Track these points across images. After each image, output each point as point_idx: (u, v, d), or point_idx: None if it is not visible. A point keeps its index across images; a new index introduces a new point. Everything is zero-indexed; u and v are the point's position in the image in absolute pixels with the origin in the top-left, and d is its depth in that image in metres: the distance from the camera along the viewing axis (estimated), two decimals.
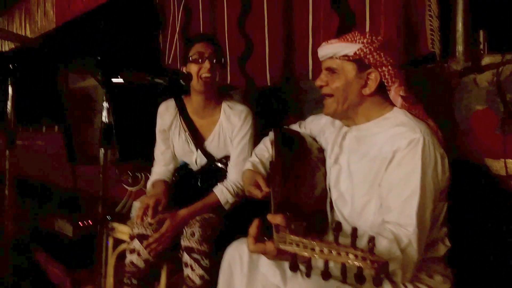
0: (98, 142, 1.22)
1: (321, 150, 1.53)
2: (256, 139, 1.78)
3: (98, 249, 1.17)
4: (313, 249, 0.87)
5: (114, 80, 1.17)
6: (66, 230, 2.66)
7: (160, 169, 1.92)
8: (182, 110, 1.86)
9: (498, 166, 1.45)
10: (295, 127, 1.70)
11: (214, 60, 1.72)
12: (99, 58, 1.13)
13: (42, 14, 4.26)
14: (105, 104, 1.17)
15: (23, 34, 4.65)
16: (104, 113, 1.17)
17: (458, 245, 1.30)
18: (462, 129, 1.53)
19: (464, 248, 1.37)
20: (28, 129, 4.81)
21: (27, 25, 4.57)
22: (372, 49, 1.25)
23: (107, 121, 1.17)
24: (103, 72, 1.16)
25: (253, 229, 1.11)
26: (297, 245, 0.90)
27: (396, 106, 1.32)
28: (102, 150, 1.18)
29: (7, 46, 4.59)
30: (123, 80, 1.21)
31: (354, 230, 0.86)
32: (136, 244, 1.62)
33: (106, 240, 1.17)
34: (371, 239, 0.84)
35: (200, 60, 1.71)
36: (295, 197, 1.32)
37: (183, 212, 1.66)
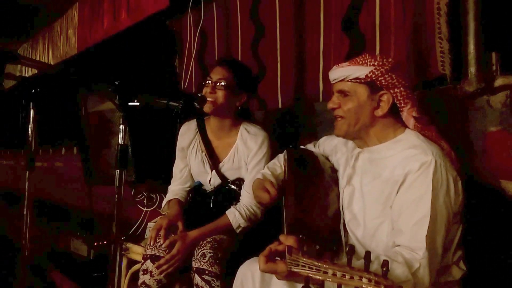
0: (114, 163, 1.25)
1: (334, 169, 1.53)
2: None
3: (111, 270, 1.18)
4: (326, 273, 0.87)
5: (131, 103, 1.21)
6: (82, 250, 2.69)
7: (177, 187, 1.95)
8: (201, 130, 1.91)
9: None
10: (310, 147, 1.71)
11: (220, 85, 1.75)
12: (116, 82, 1.17)
13: (65, 40, 4.43)
14: (122, 127, 1.20)
15: (46, 59, 4.84)
16: (121, 135, 1.21)
17: (474, 269, 1.28)
18: (477, 151, 1.51)
19: (480, 272, 1.34)
20: (48, 150, 4.94)
21: (50, 51, 4.75)
22: (384, 71, 1.27)
23: (123, 143, 1.20)
24: (120, 96, 1.20)
25: (266, 250, 1.12)
26: (310, 268, 0.90)
27: (408, 128, 1.32)
28: (117, 172, 1.21)
29: (30, 71, 4.77)
30: (139, 103, 1.25)
31: (368, 254, 0.86)
32: (148, 264, 1.64)
33: (119, 261, 1.19)
34: (385, 264, 0.84)
35: (208, 83, 1.77)
36: (308, 218, 1.32)
37: (194, 233, 1.67)
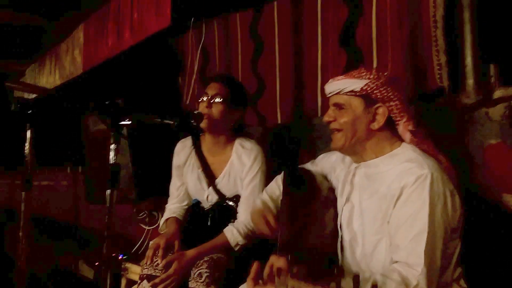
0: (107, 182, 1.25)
1: (332, 189, 1.51)
2: (268, 179, 1.77)
3: None
4: None
5: (122, 122, 1.21)
6: (84, 270, 2.68)
7: (174, 206, 1.94)
8: (196, 148, 1.90)
9: None
10: (308, 166, 1.69)
11: (217, 100, 1.75)
12: (106, 102, 1.17)
13: (71, 60, 4.49)
14: (113, 146, 1.20)
15: (53, 79, 4.91)
16: (112, 155, 1.21)
17: (475, 286, 1.23)
18: (476, 164, 1.48)
19: None
20: (54, 169, 4.98)
21: (57, 71, 4.82)
22: (379, 85, 1.26)
23: (114, 162, 1.20)
24: (111, 116, 1.20)
25: (252, 272, 1.09)
26: None
27: (405, 141, 1.30)
28: (108, 191, 1.20)
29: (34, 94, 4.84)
30: (131, 122, 1.25)
31: (356, 277, 0.84)
32: (145, 284, 1.62)
33: (110, 281, 1.17)
34: (374, 287, 0.82)
35: (204, 99, 1.77)
36: (304, 237, 1.30)
37: (191, 252, 1.65)
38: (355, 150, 1.34)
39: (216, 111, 1.75)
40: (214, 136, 1.84)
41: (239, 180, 1.82)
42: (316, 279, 0.88)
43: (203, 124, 1.75)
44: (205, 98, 1.77)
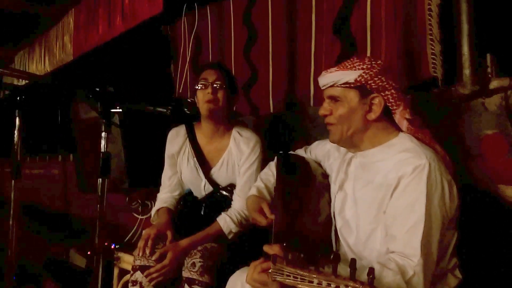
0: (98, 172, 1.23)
1: (326, 175, 1.50)
2: (263, 168, 1.75)
3: (94, 281, 1.15)
4: (311, 282, 0.86)
5: (113, 110, 1.18)
6: (76, 259, 2.66)
7: (166, 195, 1.91)
8: (191, 136, 1.87)
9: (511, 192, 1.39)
10: (300, 152, 1.68)
11: (219, 86, 1.73)
12: (97, 89, 1.14)
13: (61, 47, 4.41)
14: (103, 134, 1.18)
15: (43, 66, 4.83)
16: (103, 143, 1.18)
17: (470, 277, 1.24)
18: (473, 155, 1.48)
19: (476, 280, 1.30)
20: (45, 158, 4.93)
21: (47, 58, 4.74)
22: (373, 74, 1.24)
23: (105, 151, 1.17)
24: (102, 103, 1.17)
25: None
26: (295, 277, 0.88)
27: (402, 131, 1.29)
28: (99, 180, 1.18)
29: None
30: (123, 110, 1.22)
31: (353, 261, 0.84)
32: (138, 275, 1.60)
33: (102, 270, 1.16)
34: (371, 271, 0.82)
35: (204, 86, 1.73)
36: (298, 225, 1.29)
37: (184, 242, 1.64)
38: (353, 142, 1.33)
39: (220, 96, 1.73)
40: (214, 124, 1.81)
41: (237, 167, 1.80)
42: (312, 266, 0.87)
43: (205, 112, 1.73)
44: (202, 84, 1.74)
